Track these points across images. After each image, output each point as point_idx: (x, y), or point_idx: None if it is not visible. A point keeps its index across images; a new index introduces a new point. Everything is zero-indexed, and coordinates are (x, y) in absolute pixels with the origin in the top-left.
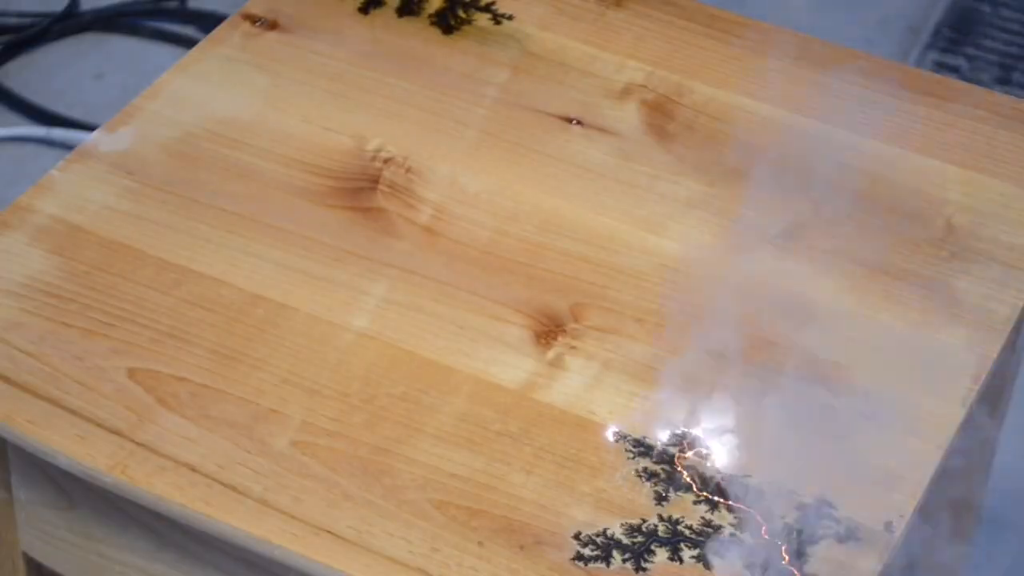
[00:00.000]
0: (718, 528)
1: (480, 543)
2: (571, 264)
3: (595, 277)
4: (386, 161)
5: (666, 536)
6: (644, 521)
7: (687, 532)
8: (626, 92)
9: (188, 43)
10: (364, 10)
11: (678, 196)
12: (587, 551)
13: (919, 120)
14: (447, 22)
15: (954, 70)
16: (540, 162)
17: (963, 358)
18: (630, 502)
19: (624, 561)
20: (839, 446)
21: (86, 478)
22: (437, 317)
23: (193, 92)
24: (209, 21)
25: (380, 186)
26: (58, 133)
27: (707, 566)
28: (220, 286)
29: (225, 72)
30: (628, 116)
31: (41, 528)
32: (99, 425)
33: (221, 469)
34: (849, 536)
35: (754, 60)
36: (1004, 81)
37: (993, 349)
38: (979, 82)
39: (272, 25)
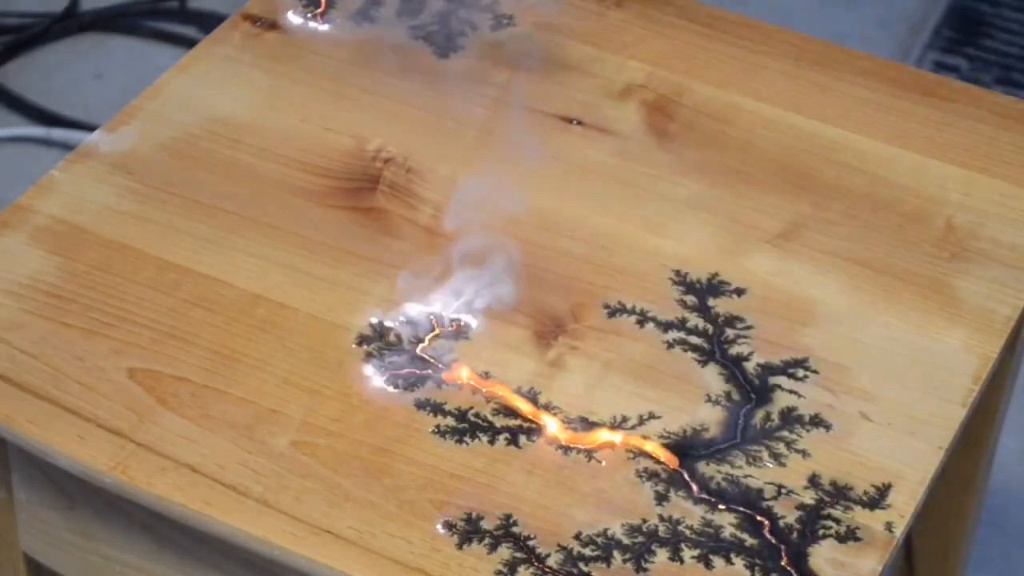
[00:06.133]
0: (718, 528)
1: (481, 543)
2: (571, 264)
3: (595, 277)
4: (386, 161)
5: (666, 536)
6: (645, 521)
7: (687, 532)
8: (626, 92)
9: (188, 43)
10: (364, 12)
11: (678, 196)
12: (587, 551)
13: (919, 120)
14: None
15: (954, 70)
16: (540, 162)
17: (963, 358)
18: (630, 502)
19: (624, 561)
20: (839, 446)
21: (86, 478)
22: None
23: (193, 92)
24: (209, 21)
25: (380, 186)
26: (58, 133)
27: (708, 566)
28: (220, 286)
29: (225, 72)
30: (628, 116)
31: (41, 528)
32: (99, 425)
33: (221, 469)
34: (849, 536)
35: (754, 60)
36: (1004, 81)
37: (993, 349)
38: (979, 82)
39: (272, 25)
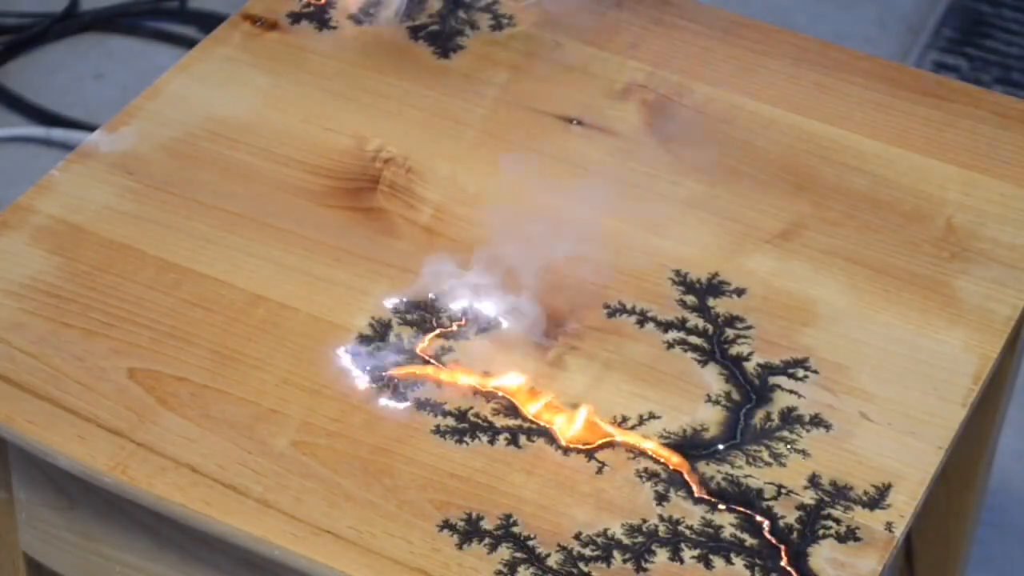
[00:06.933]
0: (718, 528)
1: (481, 543)
2: (571, 264)
3: (595, 277)
4: (386, 161)
5: (666, 536)
6: (644, 521)
7: (687, 532)
8: (626, 92)
9: (188, 43)
10: (364, 12)
11: (678, 196)
12: (587, 551)
13: (919, 120)
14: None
15: (954, 70)
16: (540, 162)
17: (963, 358)
18: (630, 502)
19: (624, 561)
20: (839, 446)
21: (86, 478)
22: None
23: (193, 92)
24: (209, 21)
25: (380, 186)
26: (58, 133)
27: (708, 566)
28: (220, 286)
29: (225, 72)
30: (628, 116)
31: (41, 528)
32: (99, 425)
33: (221, 469)
34: (849, 536)
35: (754, 60)
36: (1004, 81)
37: (993, 349)
38: (979, 82)
39: (272, 25)
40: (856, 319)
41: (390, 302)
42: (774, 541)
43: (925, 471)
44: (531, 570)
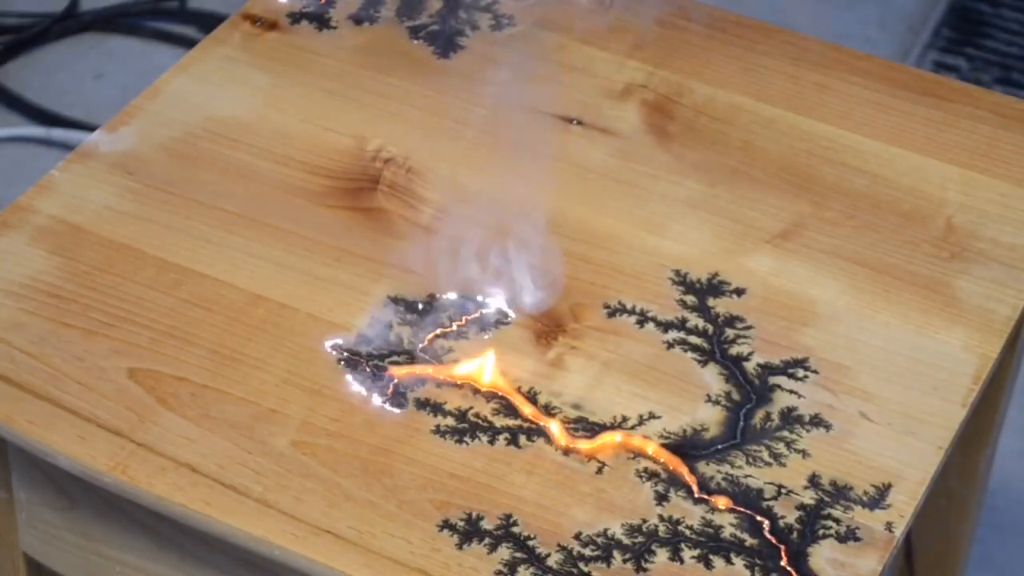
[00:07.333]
0: (718, 528)
1: (481, 543)
2: (571, 264)
3: (595, 277)
4: (386, 161)
5: (666, 536)
6: (644, 521)
7: (687, 532)
8: (626, 92)
9: (188, 43)
10: (364, 12)
11: (678, 196)
12: (587, 551)
13: (919, 120)
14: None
15: (954, 70)
16: (540, 162)
17: (963, 358)
18: (630, 502)
19: (624, 561)
20: (839, 446)
21: (86, 478)
22: None
23: (193, 92)
24: (209, 21)
25: (380, 186)
26: (58, 133)
27: (708, 566)
28: (220, 286)
29: (225, 72)
30: (628, 116)
31: (41, 528)
32: (99, 425)
33: (221, 469)
34: (849, 536)
35: (754, 60)
36: (1004, 81)
37: (993, 349)
38: (979, 82)
39: (272, 25)
40: (856, 319)
41: (390, 302)
42: (774, 541)
43: (925, 471)
44: (531, 570)
